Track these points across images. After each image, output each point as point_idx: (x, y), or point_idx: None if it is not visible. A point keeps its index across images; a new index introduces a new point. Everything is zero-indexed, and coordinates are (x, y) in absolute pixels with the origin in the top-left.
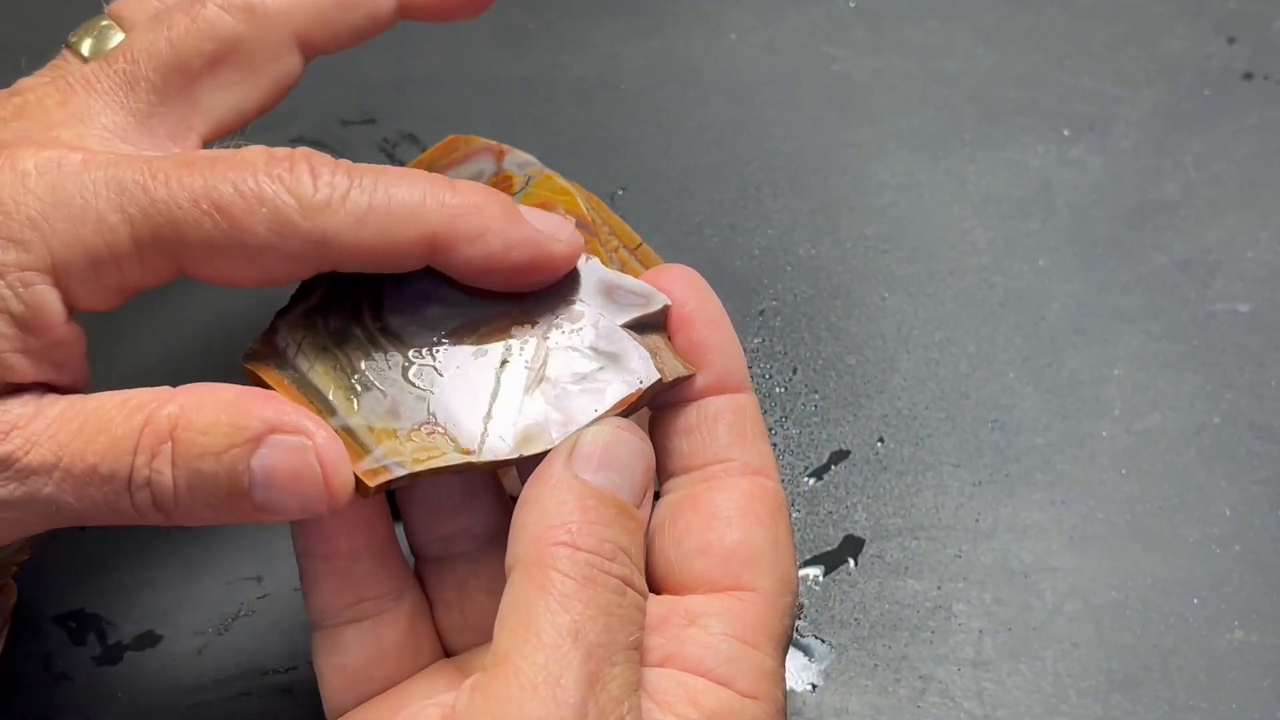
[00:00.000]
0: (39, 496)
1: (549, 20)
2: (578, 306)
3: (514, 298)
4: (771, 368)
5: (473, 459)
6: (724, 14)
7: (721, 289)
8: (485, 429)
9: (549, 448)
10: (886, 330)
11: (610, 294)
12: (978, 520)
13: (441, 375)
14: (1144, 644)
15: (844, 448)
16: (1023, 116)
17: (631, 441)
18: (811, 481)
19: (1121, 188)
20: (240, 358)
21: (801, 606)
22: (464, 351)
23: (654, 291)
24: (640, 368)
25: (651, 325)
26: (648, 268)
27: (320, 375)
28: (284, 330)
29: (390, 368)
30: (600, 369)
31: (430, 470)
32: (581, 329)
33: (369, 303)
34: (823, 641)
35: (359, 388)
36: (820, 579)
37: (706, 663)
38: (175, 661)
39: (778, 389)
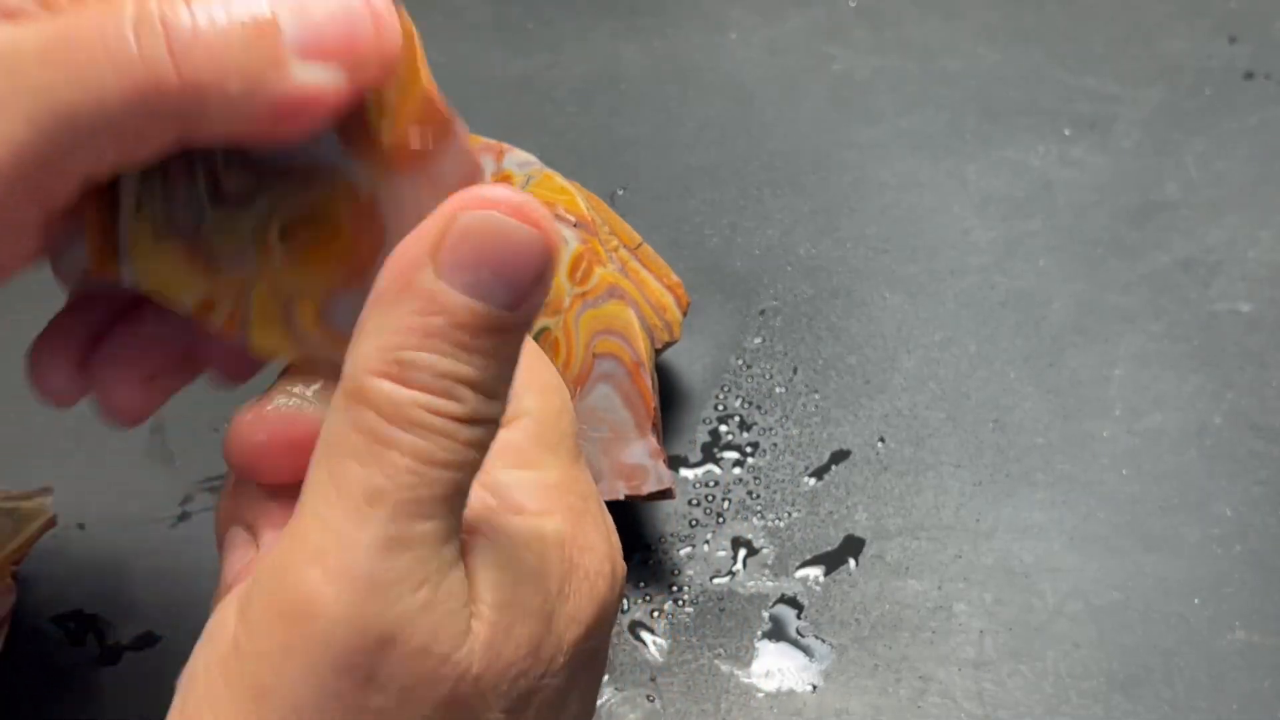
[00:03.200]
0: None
1: (549, 20)
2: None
3: None
4: (771, 368)
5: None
6: (724, 14)
7: (721, 289)
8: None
9: None
10: (887, 330)
11: None
12: (978, 520)
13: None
14: (1145, 644)
15: (844, 448)
16: (1023, 116)
17: (515, 228)
18: (812, 481)
19: (1123, 187)
20: None
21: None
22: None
23: None
24: None
25: None
26: (648, 267)
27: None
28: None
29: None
30: None
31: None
32: None
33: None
34: (823, 641)
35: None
36: (821, 579)
37: (492, 501)
38: (175, 661)
39: (778, 389)
